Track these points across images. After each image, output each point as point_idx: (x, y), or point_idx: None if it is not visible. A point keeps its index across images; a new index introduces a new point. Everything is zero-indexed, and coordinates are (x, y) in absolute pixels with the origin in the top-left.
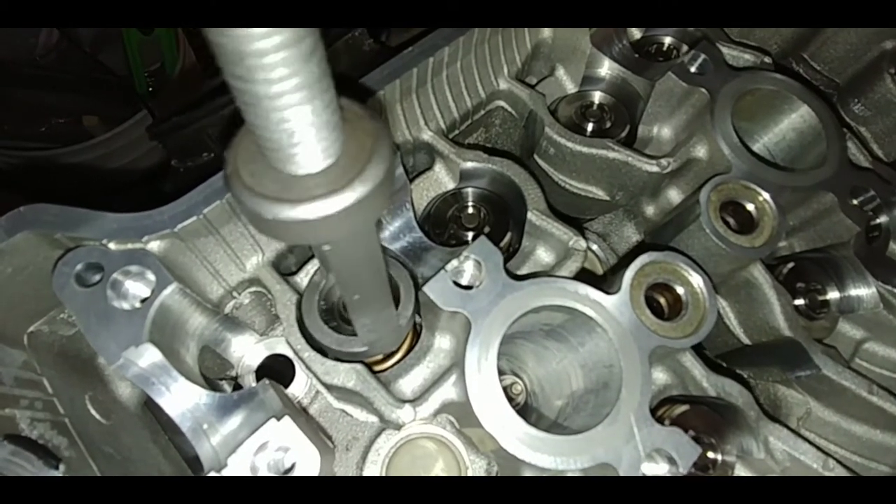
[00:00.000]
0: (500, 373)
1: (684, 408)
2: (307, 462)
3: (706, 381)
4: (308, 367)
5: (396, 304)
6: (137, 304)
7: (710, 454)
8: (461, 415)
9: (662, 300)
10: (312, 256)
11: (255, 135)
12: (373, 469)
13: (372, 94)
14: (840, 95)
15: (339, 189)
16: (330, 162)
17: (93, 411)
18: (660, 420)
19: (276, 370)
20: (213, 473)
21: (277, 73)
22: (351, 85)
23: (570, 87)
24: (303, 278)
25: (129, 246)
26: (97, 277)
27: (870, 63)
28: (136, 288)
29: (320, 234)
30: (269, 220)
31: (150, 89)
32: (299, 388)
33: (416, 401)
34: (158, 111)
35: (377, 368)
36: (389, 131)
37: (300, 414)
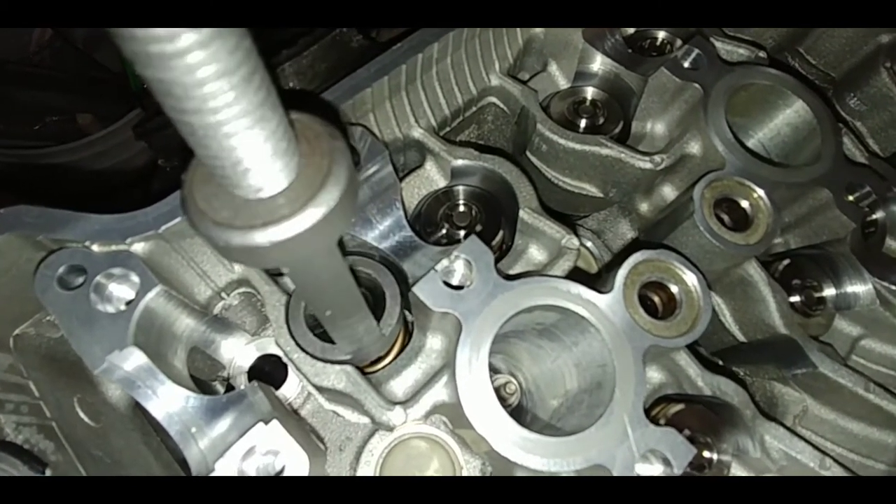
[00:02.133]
0: (496, 371)
1: (679, 407)
2: (296, 466)
3: (701, 380)
4: (298, 369)
5: (382, 310)
6: (122, 307)
7: (706, 453)
8: (453, 416)
9: (656, 299)
10: None
11: (206, 164)
12: (366, 469)
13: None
14: (836, 90)
15: (288, 215)
16: (284, 185)
17: (81, 414)
18: (654, 419)
19: (269, 371)
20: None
21: (213, 103)
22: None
23: (563, 83)
24: None
25: (113, 248)
26: (80, 280)
27: (865, 57)
28: (120, 290)
29: (274, 259)
30: (221, 245)
31: (145, 87)
32: (291, 389)
33: (407, 402)
34: (153, 109)
35: (368, 370)
36: (347, 149)
37: (290, 416)
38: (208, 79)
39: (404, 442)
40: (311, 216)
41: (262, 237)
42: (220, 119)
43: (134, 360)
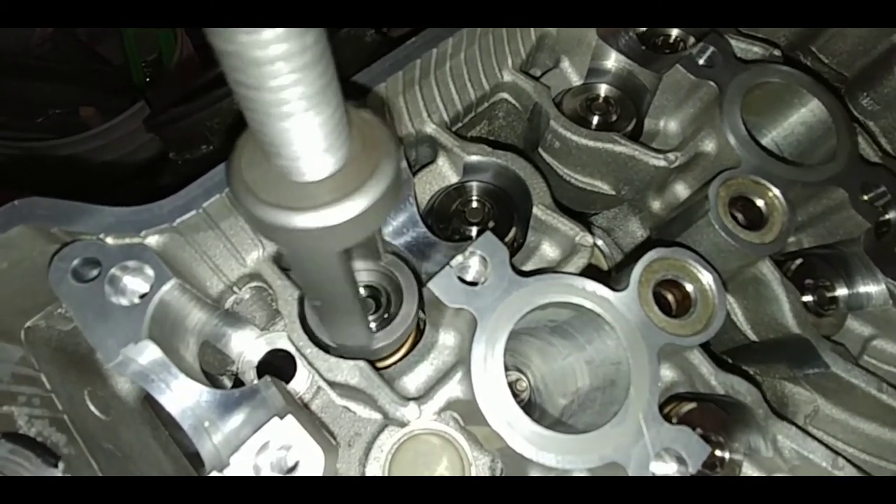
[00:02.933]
0: (505, 368)
1: (692, 405)
2: (311, 460)
3: (714, 379)
4: (311, 364)
5: (399, 304)
6: (136, 300)
7: (718, 452)
8: (466, 412)
9: (671, 297)
10: None
11: (258, 140)
12: (375, 466)
13: (379, 99)
14: (849, 89)
15: (339, 199)
16: (329, 173)
17: (92, 407)
18: (667, 418)
19: (277, 365)
20: (215, 472)
21: (283, 80)
22: (359, 89)
23: (576, 80)
24: None
25: (127, 241)
26: (94, 273)
27: (879, 57)
28: (135, 283)
29: (307, 243)
30: (268, 225)
31: (148, 80)
32: (301, 383)
33: (420, 398)
34: (156, 102)
35: (381, 365)
36: (397, 141)
37: (303, 411)
38: (277, 58)
39: (413, 438)
40: (347, 210)
41: (296, 220)
42: (282, 97)
43: (148, 353)
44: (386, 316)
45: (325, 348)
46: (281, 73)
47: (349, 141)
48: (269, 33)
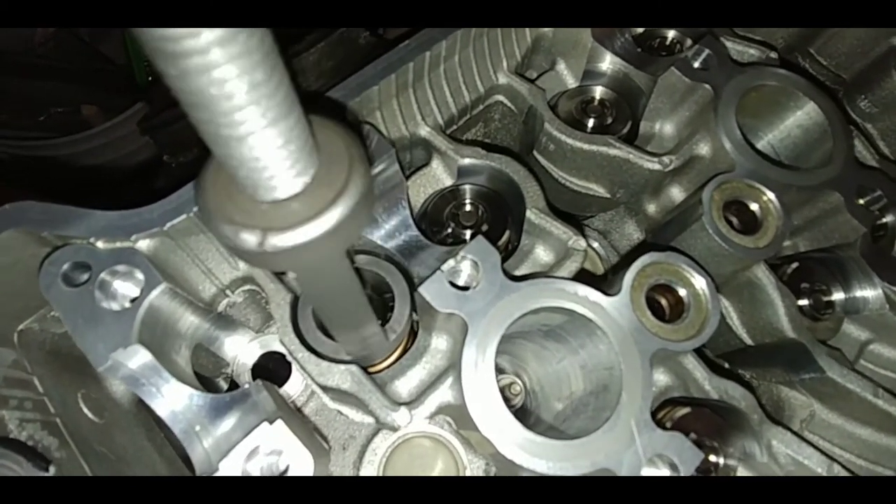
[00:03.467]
0: (501, 371)
1: (686, 410)
2: (300, 466)
3: (708, 384)
4: (302, 368)
5: (391, 309)
6: (126, 305)
7: (712, 457)
8: (459, 417)
9: (664, 301)
10: None
11: (223, 164)
12: (369, 469)
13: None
14: (846, 92)
15: (302, 220)
16: (299, 189)
17: (85, 410)
18: (660, 422)
19: (272, 368)
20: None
21: (234, 102)
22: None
23: (571, 82)
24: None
25: (118, 245)
26: (85, 277)
27: (877, 59)
28: (125, 288)
29: (284, 263)
30: (231, 246)
31: (150, 79)
32: (295, 387)
33: (412, 403)
34: (158, 101)
35: (373, 370)
36: (366, 159)
37: (294, 415)
38: (227, 76)
39: (408, 441)
40: (323, 224)
41: (273, 241)
42: (238, 118)
43: (138, 357)
44: (380, 322)
45: (322, 353)
46: (236, 92)
47: (315, 153)
48: (216, 52)
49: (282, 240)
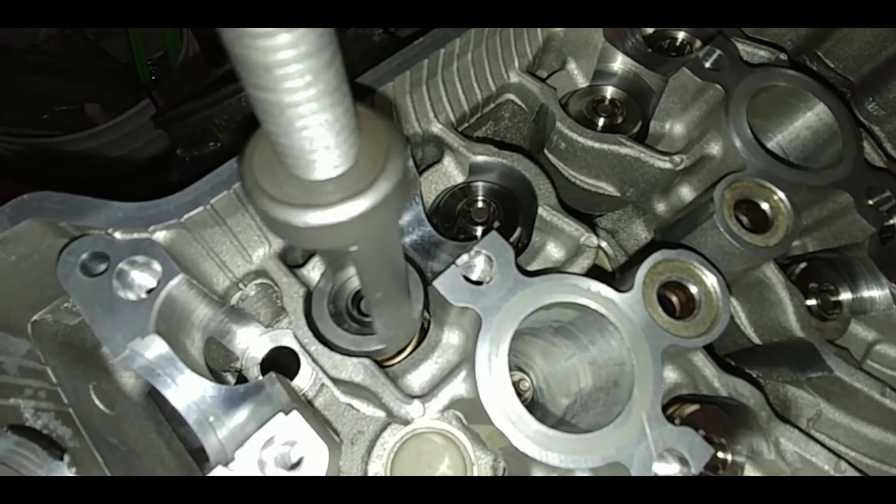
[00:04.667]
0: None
1: (694, 407)
2: (315, 457)
3: (717, 381)
4: (315, 361)
5: None
6: (143, 295)
7: (721, 454)
8: (470, 411)
9: (675, 299)
10: None
11: (272, 141)
12: (378, 464)
13: (379, 94)
14: (854, 94)
15: (363, 190)
16: (350, 164)
17: (97, 401)
18: (670, 419)
19: (281, 362)
20: (220, 467)
21: (298, 82)
22: (360, 88)
23: (582, 82)
24: (310, 271)
25: (136, 236)
26: (102, 267)
27: (885, 62)
28: (142, 278)
29: (350, 236)
30: (300, 227)
31: (154, 77)
32: (304, 380)
33: (424, 396)
34: (161, 100)
35: (385, 363)
36: (402, 132)
37: (307, 408)
38: (292, 60)
39: (416, 437)
40: (381, 191)
41: (339, 214)
42: (298, 99)
43: (155, 348)
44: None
45: (330, 346)
46: (295, 76)
47: (358, 139)
48: (284, 37)
49: (332, 215)
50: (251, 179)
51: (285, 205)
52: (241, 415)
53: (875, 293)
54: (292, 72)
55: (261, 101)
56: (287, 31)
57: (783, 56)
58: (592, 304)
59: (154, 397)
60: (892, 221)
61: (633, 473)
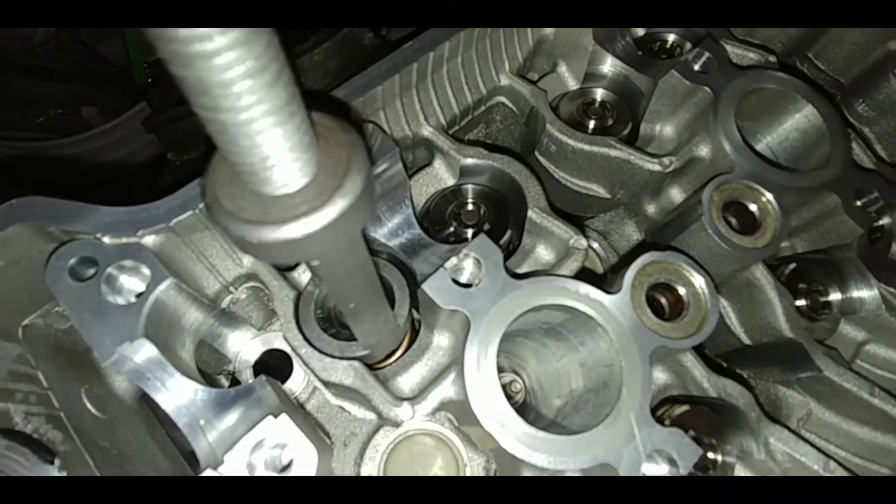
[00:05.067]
0: (500, 370)
1: (684, 408)
2: (304, 459)
3: (707, 382)
4: (306, 364)
5: (392, 305)
6: (132, 299)
7: (711, 455)
8: (460, 413)
9: (664, 300)
10: None
11: (229, 160)
12: (370, 466)
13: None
14: (844, 96)
15: (320, 205)
16: (307, 180)
17: (88, 405)
18: (660, 420)
19: (274, 365)
20: (209, 470)
21: (245, 101)
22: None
23: (573, 84)
24: (300, 274)
25: (124, 240)
26: (91, 272)
27: (875, 63)
28: (131, 283)
29: (308, 252)
30: (255, 243)
31: (150, 80)
32: (297, 383)
33: (414, 399)
34: (157, 102)
35: (375, 366)
36: (363, 142)
37: (298, 411)
38: (239, 77)
39: (408, 439)
40: (339, 205)
41: (296, 230)
42: (249, 117)
43: (144, 351)
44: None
45: (330, 353)
46: (240, 95)
47: (315, 154)
48: (229, 54)
49: (303, 227)
50: (211, 193)
51: (240, 220)
52: (231, 418)
53: (864, 293)
54: (238, 90)
55: (208, 121)
56: (230, 48)
57: (772, 58)
58: (580, 307)
59: (147, 401)
60: (880, 222)
61: (622, 474)
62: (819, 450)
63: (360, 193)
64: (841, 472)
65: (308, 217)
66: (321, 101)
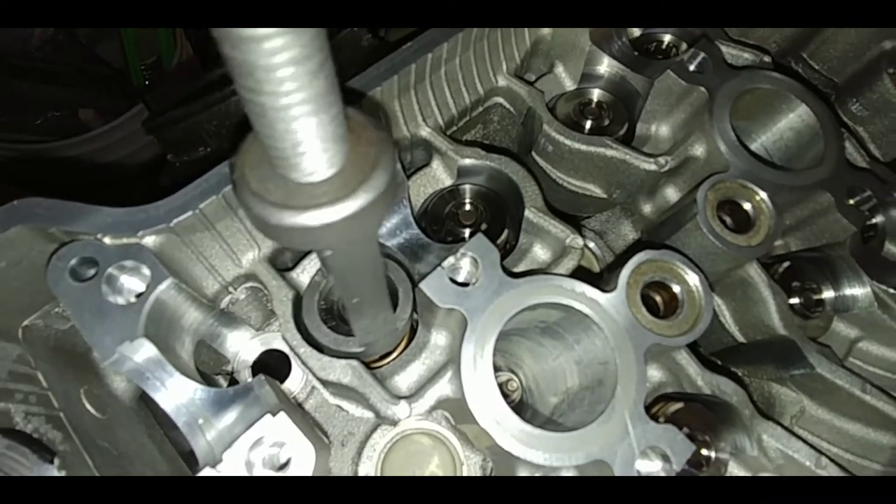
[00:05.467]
0: (496, 369)
1: (679, 405)
2: (302, 458)
3: (701, 379)
4: (304, 363)
5: (394, 307)
6: (132, 299)
7: (704, 451)
8: (457, 411)
9: (658, 298)
10: (309, 252)
11: (262, 142)
12: (368, 465)
13: (367, 99)
14: (838, 95)
15: (343, 197)
16: (335, 170)
17: (88, 405)
18: (654, 417)
19: (272, 365)
20: (208, 468)
21: (287, 86)
22: (355, 94)
23: (569, 85)
24: (299, 274)
25: (125, 241)
26: (92, 272)
27: (868, 63)
28: (131, 283)
29: (324, 240)
30: (275, 225)
31: (147, 82)
32: (295, 383)
33: (411, 397)
34: (155, 104)
35: (373, 364)
36: (392, 140)
37: (296, 409)
38: (284, 63)
39: (406, 438)
40: (362, 199)
41: (317, 218)
42: (290, 102)
43: (144, 351)
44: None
45: (319, 348)
46: (284, 80)
47: (345, 147)
48: (277, 40)
49: (324, 216)
50: (239, 171)
51: (264, 201)
52: (230, 416)
53: (857, 291)
54: (281, 76)
55: (248, 102)
56: (279, 33)
57: (767, 58)
58: (576, 305)
59: (146, 401)
60: (873, 221)
61: (616, 471)
62: (811, 446)
63: (383, 190)
64: (833, 469)
65: (328, 207)
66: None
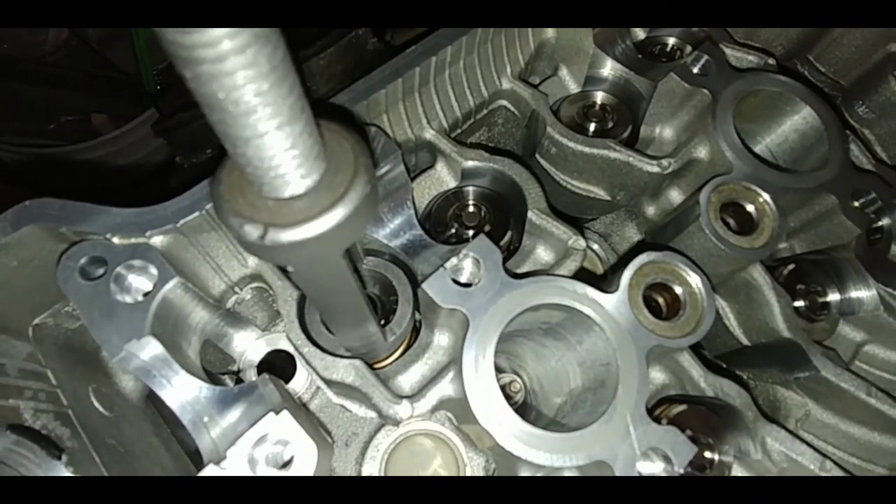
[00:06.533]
0: (500, 370)
1: (682, 408)
2: (305, 456)
3: (704, 382)
4: (308, 362)
5: (393, 312)
6: (140, 298)
7: (708, 454)
8: (459, 411)
9: (661, 300)
10: None
11: (236, 163)
12: (371, 465)
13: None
14: (844, 97)
15: (296, 222)
16: (305, 189)
17: (96, 403)
18: (657, 419)
19: (278, 366)
20: (212, 465)
21: (251, 102)
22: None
23: (573, 87)
24: None
25: (133, 240)
26: (101, 271)
27: (875, 65)
28: (139, 282)
29: (282, 258)
30: (240, 235)
31: (159, 87)
32: (300, 383)
33: (413, 397)
34: (167, 109)
35: (377, 365)
36: (371, 165)
37: (299, 408)
38: (246, 80)
39: (409, 438)
40: (321, 224)
41: (273, 236)
42: (253, 119)
43: (151, 349)
44: (382, 322)
45: (324, 349)
46: (243, 85)
47: (322, 157)
48: (232, 62)
49: (281, 235)
50: (216, 185)
51: (232, 212)
52: (234, 415)
53: (863, 294)
54: (240, 95)
55: (215, 123)
56: (237, 51)
57: (771, 61)
58: (578, 306)
59: (153, 400)
60: (879, 223)
61: (617, 472)
62: (815, 449)
63: (348, 215)
64: (837, 472)
65: (289, 229)
66: (325, 105)
